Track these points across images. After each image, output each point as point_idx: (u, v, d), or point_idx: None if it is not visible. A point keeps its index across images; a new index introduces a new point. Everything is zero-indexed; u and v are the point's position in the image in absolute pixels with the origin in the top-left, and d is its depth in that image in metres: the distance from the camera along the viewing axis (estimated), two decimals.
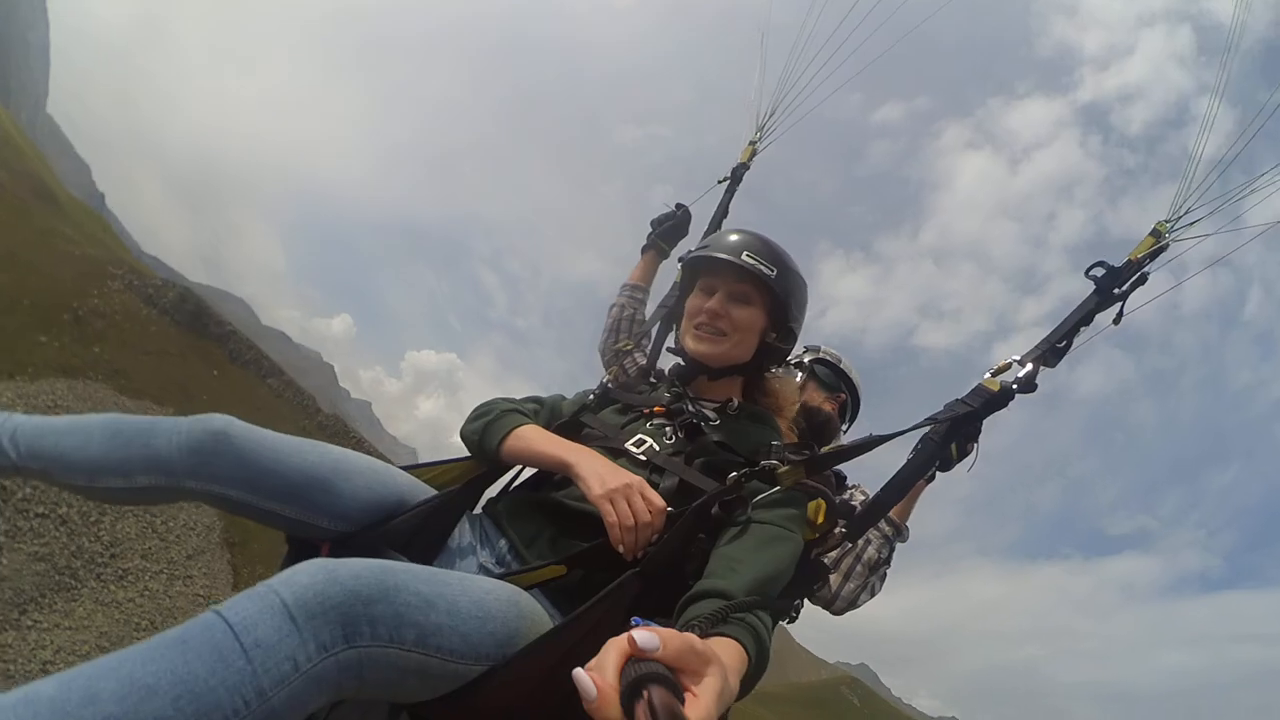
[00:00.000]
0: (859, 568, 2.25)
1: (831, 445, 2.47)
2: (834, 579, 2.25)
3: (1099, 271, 1.72)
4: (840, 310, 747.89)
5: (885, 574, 2.28)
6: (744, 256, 1.70)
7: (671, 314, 2.20)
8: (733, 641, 1.10)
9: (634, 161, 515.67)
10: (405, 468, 1.72)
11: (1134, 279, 1.72)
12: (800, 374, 2.55)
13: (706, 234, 2.43)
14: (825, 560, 1.75)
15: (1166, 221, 1.77)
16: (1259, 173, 1.82)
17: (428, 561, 1.52)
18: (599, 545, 1.40)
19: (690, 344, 1.77)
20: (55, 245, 14.96)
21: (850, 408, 2.65)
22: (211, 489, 1.41)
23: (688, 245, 2.47)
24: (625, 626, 0.77)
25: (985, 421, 1.67)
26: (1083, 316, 1.71)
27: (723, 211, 2.56)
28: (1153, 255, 1.75)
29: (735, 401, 1.79)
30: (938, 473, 1.75)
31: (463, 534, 1.62)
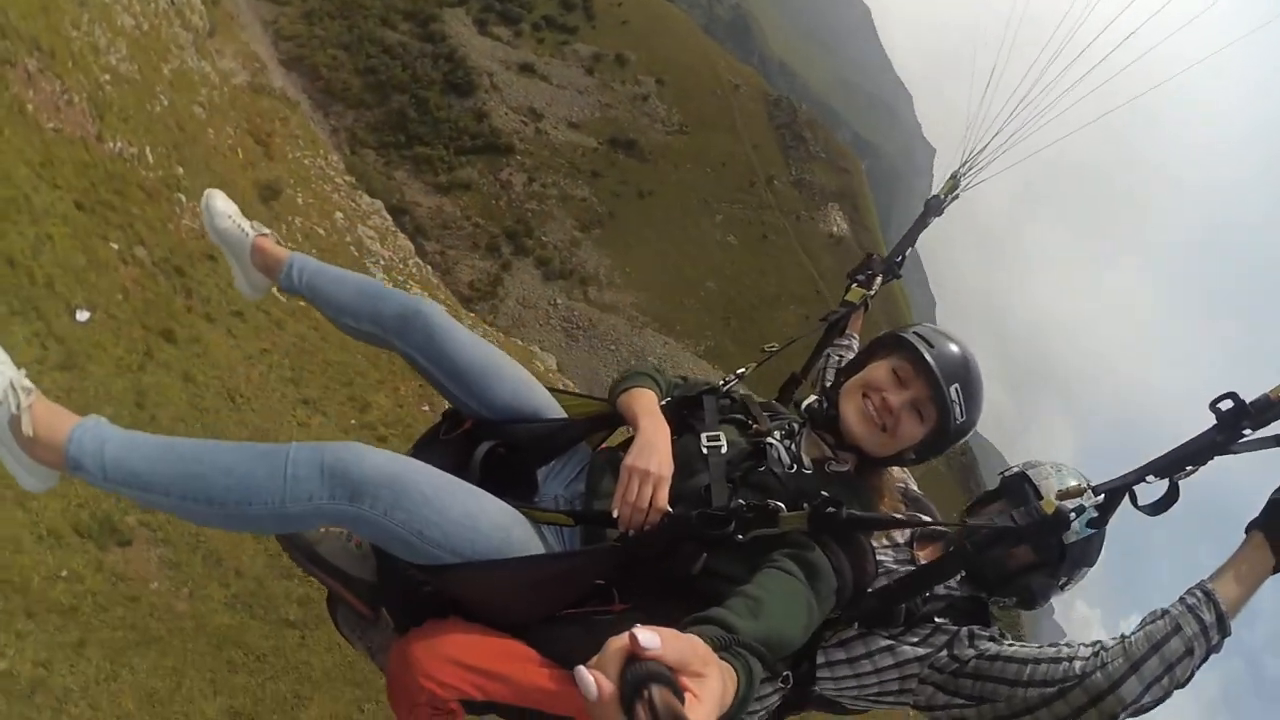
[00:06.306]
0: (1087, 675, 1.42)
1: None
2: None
3: (1227, 404, 1.47)
4: None
5: (1168, 687, 1.40)
6: (952, 390, 1.68)
7: (831, 332, 2.52)
8: (729, 667, 1.07)
9: None
10: (551, 390, 1.98)
11: None
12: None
13: (888, 259, 2.62)
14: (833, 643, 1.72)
15: None
16: None
17: (535, 468, 1.88)
18: (605, 512, 1.63)
19: (849, 413, 1.76)
20: None
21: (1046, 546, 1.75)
22: (405, 351, 1.88)
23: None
24: (624, 625, 0.79)
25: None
26: (1194, 453, 1.48)
27: (908, 241, 2.63)
28: None
29: (845, 468, 1.78)
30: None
31: (567, 462, 1.94)
